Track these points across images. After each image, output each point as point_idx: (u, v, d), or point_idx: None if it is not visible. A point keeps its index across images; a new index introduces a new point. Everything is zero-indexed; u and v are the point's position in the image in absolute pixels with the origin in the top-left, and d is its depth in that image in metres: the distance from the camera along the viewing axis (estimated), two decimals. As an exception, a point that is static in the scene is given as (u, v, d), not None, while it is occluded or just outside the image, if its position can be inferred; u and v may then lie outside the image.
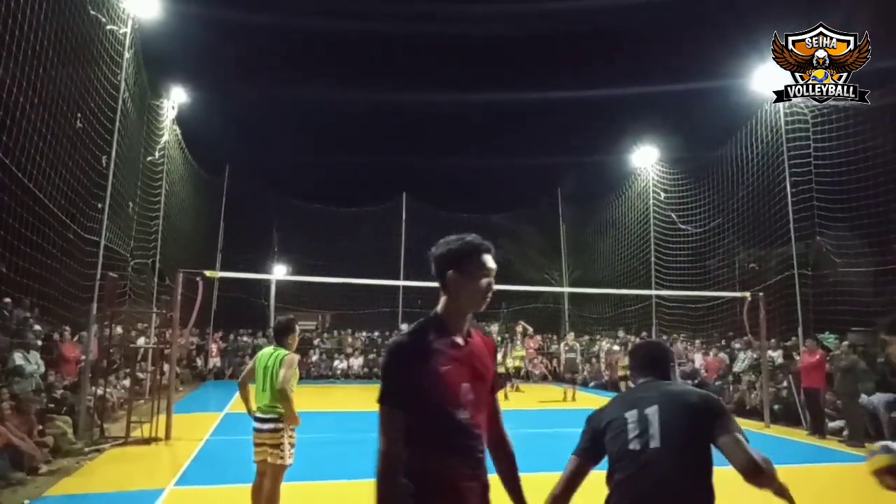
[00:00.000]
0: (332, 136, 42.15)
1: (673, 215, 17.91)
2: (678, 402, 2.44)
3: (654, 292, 18.20)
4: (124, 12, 10.79)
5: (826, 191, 12.79)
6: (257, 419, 4.98)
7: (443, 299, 2.19)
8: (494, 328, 20.09)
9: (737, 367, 15.11)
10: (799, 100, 13.05)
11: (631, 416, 2.46)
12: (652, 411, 2.42)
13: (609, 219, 22.51)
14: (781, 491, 2.19)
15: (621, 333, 20.91)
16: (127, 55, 10.76)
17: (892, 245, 12.77)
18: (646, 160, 19.70)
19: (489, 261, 2.19)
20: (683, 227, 17.43)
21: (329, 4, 41.54)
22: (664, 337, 19.07)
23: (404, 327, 20.75)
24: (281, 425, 4.86)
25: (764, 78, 13.63)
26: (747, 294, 12.77)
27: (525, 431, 10.69)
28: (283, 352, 5.01)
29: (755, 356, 14.23)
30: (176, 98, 15.64)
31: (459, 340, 2.13)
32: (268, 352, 5.12)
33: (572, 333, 19.17)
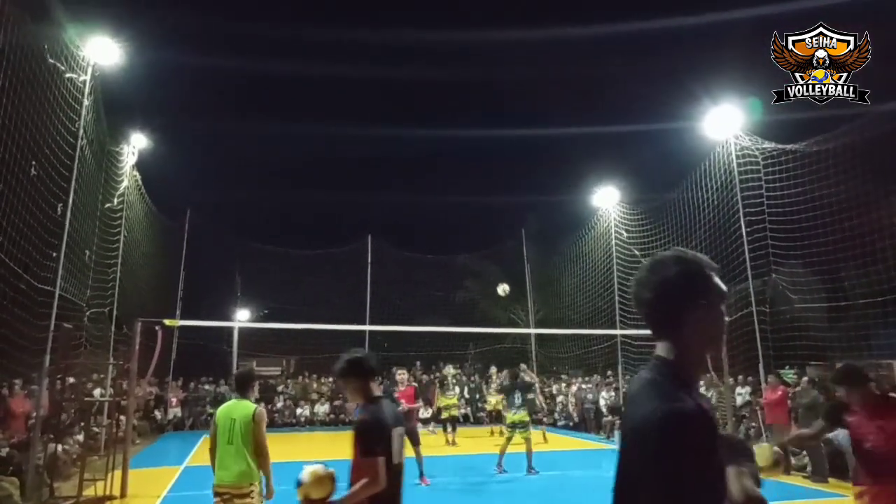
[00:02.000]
0: (294, 178, 42.09)
1: (635, 250, 18.25)
2: None
3: (619, 332, 18.37)
4: (84, 60, 10.73)
5: (779, 229, 13.22)
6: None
7: (671, 346, 1.57)
8: (450, 369, 19.57)
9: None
10: (748, 143, 13.63)
11: None
12: None
13: (573, 258, 22.80)
14: None
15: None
16: (86, 102, 10.65)
17: (843, 282, 13.21)
18: (607, 201, 20.14)
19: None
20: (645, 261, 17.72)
21: (290, 46, 42.05)
22: (627, 376, 19.18)
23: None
24: (250, 479, 4.76)
25: (715, 121, 14.23)
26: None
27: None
28: (251, 406, 4.97)
29: (720, 391, 14.41)
30: (136, 143, 15.47)
31: (705, 405, 1.52)
32: (234, 405, 5.02)
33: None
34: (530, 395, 11.72)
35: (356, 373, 3.56)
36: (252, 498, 4.72)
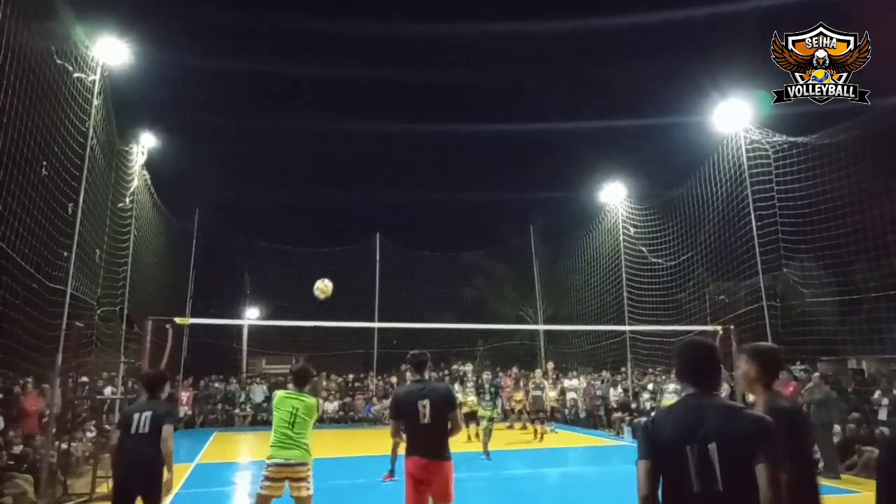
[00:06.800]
0: (303, 177, 42.23)
1: (644, 249, 18.16)
2: (734, 439, 2.24)
3: (627, 328, 18.30)
4: (93, 60, 10.76)
5: (790, 223, 13.11)
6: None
7: None
8: (469, 367, 19.67)
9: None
10: (758, 136, 13.53)
11: (691, 451, 2.27)
12: (713, 450, 2.23)
13: (581, 255, 22.73)
14: None
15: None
16: (95, 102, 10.70)
17: (854, 276, 13.09)
18: (615, 197, 20.05)
19: None
20: (654, 259, 17.66)
21: (299, 45, 42.11)
22: (636, 370, 19.09)
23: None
24: (307, 459, 5.24)
25: (724, 115, 14.12)
26: (718, 328, 12.90)
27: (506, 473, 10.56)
28: (312, 398, 5.48)
29: (730, 387, 14.30)
30: (145, 143, 15.53)
31: None
32: (294, 395, 5.43)
33: (539, 371, 18.55)
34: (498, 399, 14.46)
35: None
36: (308, 481, 5.16)
